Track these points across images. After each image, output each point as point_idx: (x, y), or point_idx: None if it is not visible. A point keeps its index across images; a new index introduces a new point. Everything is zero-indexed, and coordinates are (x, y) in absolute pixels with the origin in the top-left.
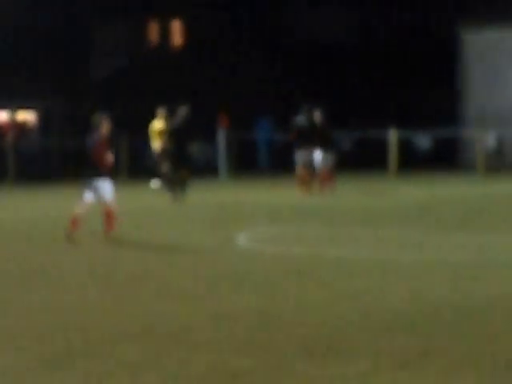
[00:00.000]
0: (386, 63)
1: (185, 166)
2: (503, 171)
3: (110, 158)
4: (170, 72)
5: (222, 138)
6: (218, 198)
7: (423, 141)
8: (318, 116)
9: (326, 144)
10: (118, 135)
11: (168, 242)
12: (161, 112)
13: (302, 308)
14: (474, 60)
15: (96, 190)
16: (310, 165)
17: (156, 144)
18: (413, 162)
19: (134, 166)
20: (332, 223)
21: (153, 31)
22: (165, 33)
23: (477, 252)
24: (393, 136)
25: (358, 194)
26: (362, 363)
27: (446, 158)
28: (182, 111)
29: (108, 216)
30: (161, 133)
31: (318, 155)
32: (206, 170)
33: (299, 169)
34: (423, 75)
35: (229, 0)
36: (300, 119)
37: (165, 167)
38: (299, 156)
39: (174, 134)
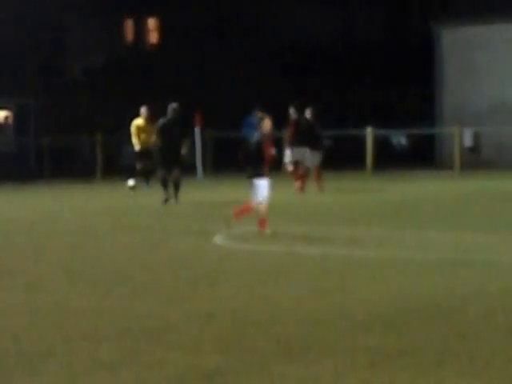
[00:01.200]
0: (362, 62)
1: (177, 165)
2: (479, 168)
3: (273, 155)
4: (145, 70)
5: (197, 136)
6: (195, 196)
7: (400, 139)
8: (309, 114)
9: (315, 142)
10: (93, 134)
11: (144, 241)
12: (143, 110)
13: (279, 307)
14: (449, 57)
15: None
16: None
17: (136, 142)
18: (390, 160)
19: (110, 165)
20: (309, 221)
21: (128, 29)
22: (140, 31)
23: (454, 250)
24: (370, 134)
25: (335, 192)
26: (338, 362)
27: (423, 155)
28: (172, 109)
29: (244, 211)
30: (141, 131)
31: (307, 154)
32: (184, 169)
33: (290, 166)
34: (400, 73)
35: None
36: (294, 115)
37: (140, 165)
38: (293, 154)
39: (164, 133)
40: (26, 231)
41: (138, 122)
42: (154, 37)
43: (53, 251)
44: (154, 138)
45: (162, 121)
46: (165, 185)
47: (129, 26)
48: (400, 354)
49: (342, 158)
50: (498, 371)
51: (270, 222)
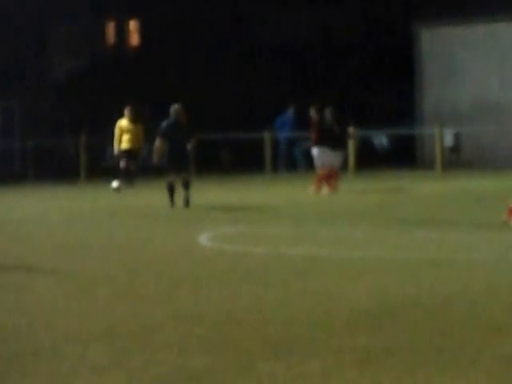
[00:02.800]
0: (342, 62)
1: (185, 168)
2: (461, 168)
3: None
4: (127, 72)
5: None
6: (178, 198)
7: (382, 139)
8: (328, 114)
9: (335, 143)
10: (77, 136)
11: (130, 242)
12: (126, 111)
13: (265, 307)
14: (429, 57)
15: None
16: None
17: (121, 143)
18: (372, 161)
19: (94, 166)
20: (293, 222)
21: (109, 31)
22: (122, 33)
23: (437, 249)
24: (352, 135)
25: (316, 193)
26: (325, 361)
27: (404, 155)
28: (175, 110)
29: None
30: (125, 132)
31: (327, 154)
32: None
33: (319, 168)
34: (380, 73)
35: None
36: (317, 117)
37: (123, 165)
38: (320, 155)
39: (167, 136)
40: (10, 233)
41: (122, 122)
42: (135, 39)
43: (38, 252)
44: (158, 142)
45: (164, 124)
46: (171, 190)
47: (110, 28)
48: (386, 352)
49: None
50: (483, 369)
51: (251, 222)
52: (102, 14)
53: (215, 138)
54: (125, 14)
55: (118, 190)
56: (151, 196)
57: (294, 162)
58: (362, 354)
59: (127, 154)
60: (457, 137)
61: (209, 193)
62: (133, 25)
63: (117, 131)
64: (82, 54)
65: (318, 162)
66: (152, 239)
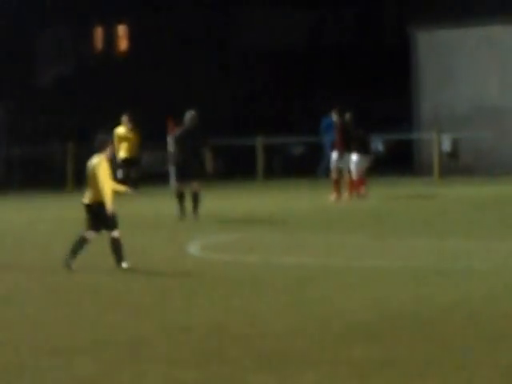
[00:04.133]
0: (336, 66)
1: (195, 178)
2: (459, 174)
3: None
4: (116, 77)
5: (171, 144)
6: (167, 206)
7: (377, 145)
8: (348, 118)
9: (361, 146)
10: (65, 143)
11: None
12: (124, 119)
13: (257, 318)
14: (426, 61)
15: None
16: (342, 169)
17: (119, 152)
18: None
19: (82, 175)
20: (285, 230)
21: (98, 37)
22: (110, 38)
23: (435, 258)
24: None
25: (311, 199)
26: (319, 374)
27: (401, 161)
28: (190, 117)
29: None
30: (123, 140)
31: (352, 159)
32: (156, 177)
33: (333, 172)
34: (377, 77)
35: (175, 3)
36: (339, 121)
37: (123, 173)
38: (334, 159)
39: (180, 144)
40: None
41: (120, 130)
42: (123, 44)
43: (23, 263)
44: (172, 148)
45: (178, 131)
46: (181, 200)
47: (98, 33)
48: (383, 365)
49: (315, 165)
50: (484, 381)
51: (241, 230)
52: (89, 19)
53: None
54: (113, 19)
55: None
56: (140, 204)
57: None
58: (358, 366)
59: (126, 162)
60: (455, 142)
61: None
62: (121, 30)
63: (116, 140)
64: (69, 60)
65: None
66: (141, 249)
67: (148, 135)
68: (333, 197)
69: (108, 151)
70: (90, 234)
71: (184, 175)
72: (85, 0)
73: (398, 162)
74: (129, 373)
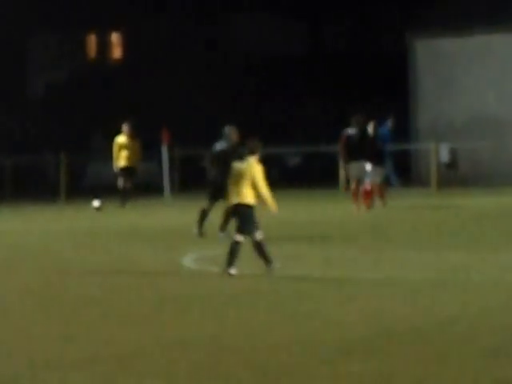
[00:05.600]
0: (335, 76)
1: (217, 198)
2: (457, 185)
3: None
4: (109, 85)
5: (165, 155)
6: (162, 218)
7: None
8: (371, 128)
9: (376, 157)
10: (57, 153)
11: (112, 264)
12: (125, 127)
13: (253, 331)
14: (424, 71)
15: None
16: (361, 179)
17: (115, 160)
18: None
19: (74, 184)
20: (278, 242)
21: (91, 44)
22: (103, 46)
23: (433, 270)
24: None
25: (307, 210)
26: None
27: (399, 172)
28: (231, 132)
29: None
30: (123, 148)
31: (368, 169)
32: (150, 188)
33: (353, 183)
34: (373, 87)
35: (169, 12)
36: (351, 131)
37: (122, 182)
38: (351, 170)
39: (220, 160)
40: None
41: (120, 139)
42: (117, 52)
43: (17, 275)
44: (208, 163)
45: (218, 146)
46: (203, 218)
47: (92, 40)
48: (381, 379)
49: (312, 175)
50: None
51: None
52: (82, 27)
53: (200, 153)
54: (107, 27)
55: (99, 209)
56: (134, 216)
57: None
58: (356, 380)
59: (125, 171)
60: (453, 152)
61: (193, 211)
62: (115, 37)
63: (115, 148)
64: (62, 68)
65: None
66: (135, 261)
67: (142, 144)
68: (355, 207)
69: (259, 154)
70: (239, 237)
71: (220, 195)
72: (78, 8)
73: (396, 172)
74: None
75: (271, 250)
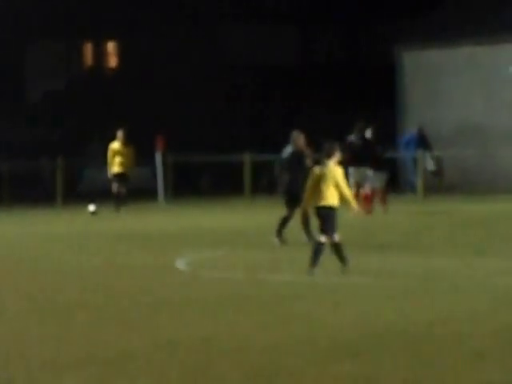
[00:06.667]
0: (324, 85)
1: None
2: (443, 193)
3: None
4: (105, 93)
5: (159, 161)
6: (156, 222)
7: None
8: (369, 134)
9: (377, 163)
10: (54, 158)
11: (107, 267)
12: (119, 134)
13: (244, 333)
14: (413, 82)
15: None
16: (361, 184)
17: (109, 166)
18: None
19: (70, 190)
20: (272, 247)
21: (87, 53)
22: (99, 55)
23: (418, 275)
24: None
25: (296, 217)
26: None
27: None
28: (293, 138)
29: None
30: (117, 154)
31: (369, 174)
32: (145, 194)
33: (353, 189)
34: (362, 97)
35: (164, 20)
36: (353, 137)
37: (116, 188)
38: (352, 175)
39: (286, 167)
40: None
41: (114, 145)
42: (113, 60)
43: (12, 278)
44: (281, 174)
45: (285, 152)
46: (283, 226)
47: (88, 49)
48: (368, 381)
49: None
50: None
51: (229, 247)
52: (79, 36)
53: (195, 161)
54: (102, 36)
55: (94, 213)
56: (129, 220)
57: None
58: (343, 382)
59: (119, 177)
60: (439, 161)
61: (187, 216)
62: (111, 46)
63: (109, 154)
64: (59, 76)
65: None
66: (129, 264)
67: (136, 151)
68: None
69: (336, 156)
70: (323, 238)
71: (296, 202)
72: (75, 16)
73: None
74: None
75: (262, 254)
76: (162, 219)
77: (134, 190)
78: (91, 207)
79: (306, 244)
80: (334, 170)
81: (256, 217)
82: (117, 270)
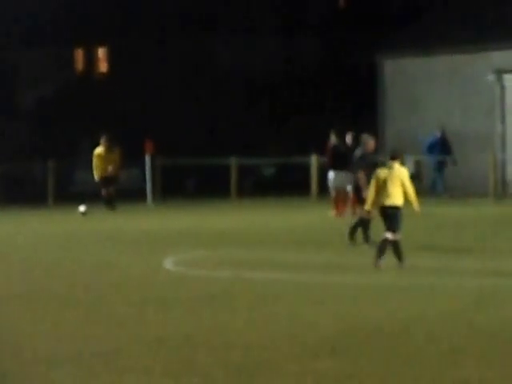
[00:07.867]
0: (307, 93)
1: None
2: (421, 195)
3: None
4: (95, 99)
5: (148, 164)
6: (145, 223)
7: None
8: (349, 139)
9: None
10: (45, 161)
11: (95, 266)
12: (103, 140)
13: (228, 331)
14: (392, 89)
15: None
16: (343, 188)
17: (94, 171)
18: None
19: (61, 192)
20: (256, 247)
21: (78, 59)
22: (90, 60)
23: (397, 275)
24: (314, 163)
25: (281, 218)
26: None
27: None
28: (363, 141)
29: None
30: (101, 159)
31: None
32: (134, 195)
33: (333, 192)
34: (342, 104)
35: (154, 26)
36: (336, 142)
37: (104, 192)
38: (333, 179)
39: (359, 168)
40: None
41: (98, 150)
42: (103, 66)
43: (4, 276)
44: (361, 175)
45: (357, 155)
46: (356, 228)
47: (79, 55)
48: (347, 377)
49: (286, 185)
50: None
51: (215, 247)
52: (70, 41)
53: (182, 164)
54: (93, 41)
55: (84, 214)
56: (118, 220)
57: (433, 185)
58: (323, 378)
59: (104, 181)
60: (418, 165)
61: (175, 218)
62: (101, 52)
63: (94, 160)
64: (49, 82)
65: (334, 187)
66: (118, 263)
67: (126, 153)
68: (333, 213)
69: (401, 159)
70: (389, 235)
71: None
72: (65, 23)
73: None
74: (105, 382)
75: (247, 254)
76: (151, 220)
77: (124, 191)
78: (82, 208)
79: (296, 243)
80: (400, 170)
81: (242, 218)
82: (106, 269)
